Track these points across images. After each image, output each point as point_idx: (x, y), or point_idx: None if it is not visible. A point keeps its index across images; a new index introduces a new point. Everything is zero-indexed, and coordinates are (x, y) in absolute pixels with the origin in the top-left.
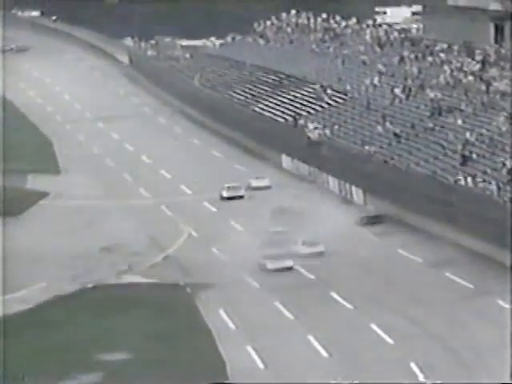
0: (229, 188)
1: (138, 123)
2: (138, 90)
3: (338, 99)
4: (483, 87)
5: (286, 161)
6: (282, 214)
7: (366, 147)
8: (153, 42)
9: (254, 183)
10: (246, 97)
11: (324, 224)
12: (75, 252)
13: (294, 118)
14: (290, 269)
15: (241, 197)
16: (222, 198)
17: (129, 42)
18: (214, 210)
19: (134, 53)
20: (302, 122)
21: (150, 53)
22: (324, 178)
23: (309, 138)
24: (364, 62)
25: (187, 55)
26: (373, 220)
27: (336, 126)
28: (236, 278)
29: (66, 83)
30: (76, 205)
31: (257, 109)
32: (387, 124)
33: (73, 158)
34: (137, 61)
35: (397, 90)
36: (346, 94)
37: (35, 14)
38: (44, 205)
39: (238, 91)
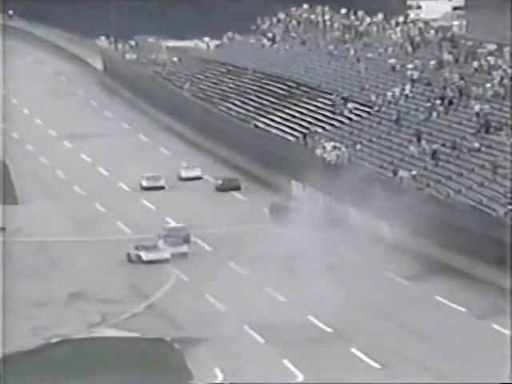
0: (148, 178)
1: (113, 142)
2: (113, 102)
3: (360, 113)
4: None
5: (296, 188)
6: None
7: (399, 172)
8: (132, 42)
9: (184, 173)
10: (248, 110)
11: (349, 271)
12: (37, 299)
13: (306, 135)
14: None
15: (161, 187)
16: (142, 188)
17: (103, 42)
18: (208, 248)
19: (109, 56)
20: (316, 140)
21: (128, 56)
22: (342, 210)
23: (324, 160)
24: (393, 68)
25: (175, 59)
26: (280, 208)
27: (358, 146)
28: (236, 332)
29: (24, 93)
30: (38, 242)
31: (260, 124)
32: (422, 143)
33: (34, 184)
34: (112, 66)
35: (434, 102)
36: (370, 107)
37: None
38: None
39: (238, 103)
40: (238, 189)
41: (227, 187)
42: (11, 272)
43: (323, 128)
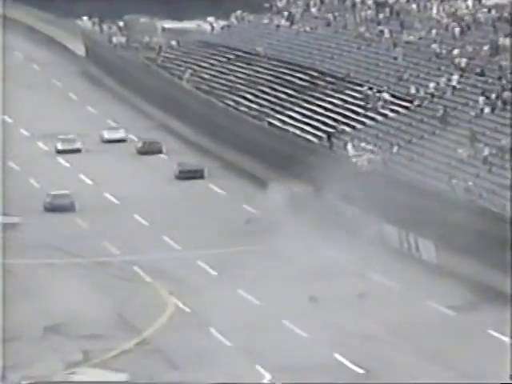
0: (63, 141)
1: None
2: (98, 95)
3: (397, 108)
4: None
5: (319, 198)
6: None
7: (453, 181)
8: (121, 23)
9: (107, 135)
10: (260, 105)
11: (383, 299)
12: (5, 333)
13: (331, 135)
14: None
15: (77, 150)
16: (58, 152)
17: (85, 23)
18: (213, 273)
19: (93, 39)
20: (343, 141)
21: (116, 39)
22: (376, 225)
23: (353, 165)
24: (437, 54)
25: (173, 43)
26: (190, 174)
27: (395, 149)
28: (245, 373)
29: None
30: (7, 263)
31: (276, 122)
32: (474, 145)
33: (1, 194)
34: (96, 51)
35: (487, 95)
36: (410, 101)
37: None
38: None
39: (248, 97)
40: (159, 152)
41: (148, 150)
42: None
43: (352, 127)
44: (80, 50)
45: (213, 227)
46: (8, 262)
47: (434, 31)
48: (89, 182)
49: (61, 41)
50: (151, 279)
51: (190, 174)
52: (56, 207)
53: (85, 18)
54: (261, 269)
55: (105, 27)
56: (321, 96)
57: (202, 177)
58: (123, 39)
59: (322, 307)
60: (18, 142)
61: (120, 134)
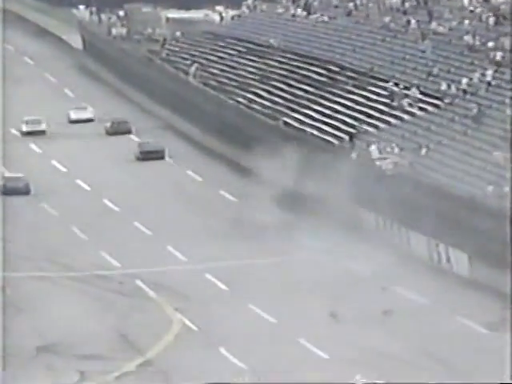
0: (28, 122)
1: (96, 145)
2: (95, 92)
3: (426, 106)
4: None
5: (338, 206)
6: None
7: (488, 188)
8: (121, 13)
9: (74, 115)
10: (275, 102)
11: (410, 315)
12: None
13: (352, 136)
14: None
15: (42, 132)
16: (22, 134)
17: (82, 12)
18: (223, 287)
19: (90, 30)
20: (366, 143)
21: (116, 31)
22: (402, 234)
23: (378, 169)
24: (470, 47)
25: (178, 34)
26: (151, 154)
27: (423, 151)
28: None
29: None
30: None
31: (292, 122)
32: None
33: None
34: (94, 43)
35: None
36: (440, 98)
37: None
38: None
39: (262, 93)
40: (128, 132)
41: (117, 130)
42: None
43: (376, 127)
44: (76, 42)
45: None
46: None
47: (466, 22)
48: (58, 166)
49: (55, 32)
50: (154, 293)
51: (150, 155)
52: (10, 190)
53: (81, 7)
54: (275, 281)
55: (103, 17)
56: (341, 93)
57: (162, 157)
58: (124, 30)
59: (343, 325)
60: (7, 141)
61: (87, 114)
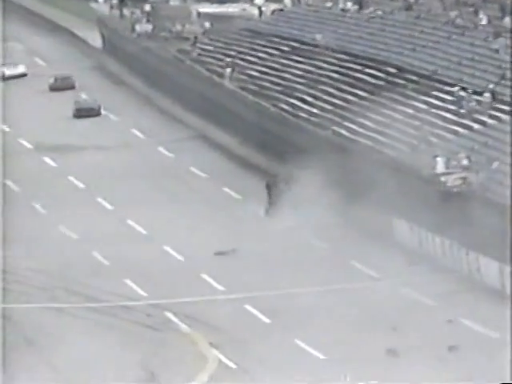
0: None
1: (118, 159)
2: (118, 97)
3: (499, 114)
4: None
5: (399, 229)
6: None
7: None
8: (146, 7)
9: (8, 71)
10: (323, 109)
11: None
12: None
13: (413, 148)
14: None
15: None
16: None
17: (101, 6)
18: (264, 319)
19: (112, 27)
20: (429, 155)
21: (140, 27)
22: (470, 259)
23: (443, 185)
24: None
25: (211, 31)
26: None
27: (495, 164)
28: None
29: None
30: (4, 308)
31: (342, 131)
32: None
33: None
34: (116, 42)
35: None
36: None
37: None
38: None
39: (308, 99)
40: (71, 88)
41: (60, 86)
42: None
43: (441, 137)
44: (95, 40)
45: None
46: None
47: None
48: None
49: (71, 28)
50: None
51: (86, 113)
52: None
53: (101, 0)
54: (324, 313)
55: (126, 12)
56: (400, 98)
57: (98, 114)
58: (149, 27)
59: (403, 362)
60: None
61: (20, 69)
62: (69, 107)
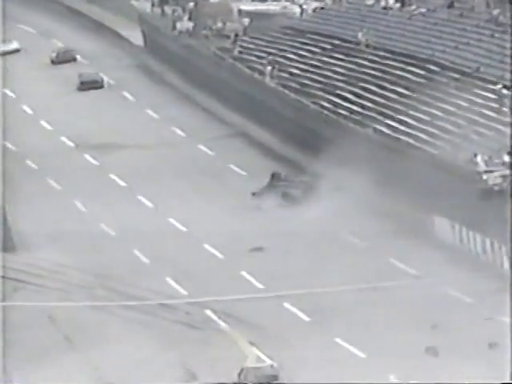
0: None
1: (159, 157)
2: (159, 95)
3: None
4: None
5: (440, 226)
6: None
7: None
8: (191, 4)
9: (2, 48)
10: (364, 107)
11: None
12: None
13: (455, 145)
14: None
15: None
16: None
17: (142, 3)
18: (304, 317)
19: (153, 25)
20: (471, 153)
21: (181, 25)
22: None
23: (485, 183)
24: None
25: (252, 29)
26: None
27: None
28: None
29: (22, 81)
30: (46, 308)
31: (384, 129)
32: None
33: (40, 222)
34: (157, 40)
35: None
36: None
37: None
38: None
39: (349, 96)
40: (73, 60)
41: (62, 59)
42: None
43: (482, 135)
44: (136, 38)
45: None
46: None
47: None
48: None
49: (112, 26)
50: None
51: (90, 85)
52: None
53: None
54: (364, 311)
55: (167, 10)
56: (442, 96)
57: (101, 87)
58: (190, 25)
59: (443, 361)
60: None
61: (14, 45)
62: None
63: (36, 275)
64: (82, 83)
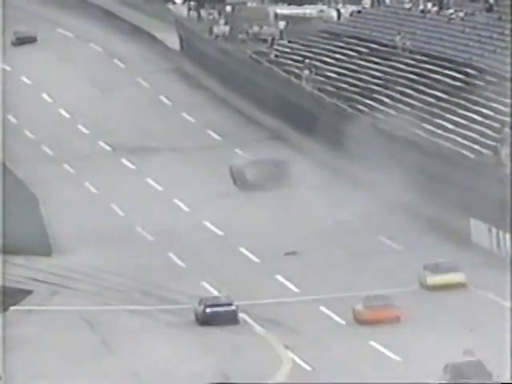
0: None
1: (195, 161)
2: (196, 99)
3: None
4: None
5: (477, 230)
6: None
7: None
8: (228, 7)
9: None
10: (401, 110)
11: None
12: None
13: (494, 149)
14: None
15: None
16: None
17: (179, 7)
18: (341, 321)
19: (189, 29)
20: (509, 157)
21: (218, 29)
22: None
23: None
24: None
25: (289, 33)
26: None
27: None
28: None
29: (59, 85)
30: (82, 310)
31: (421, 133)
32: None
33: (77, 226)
34: (193, 44)
35: None
36: None
37: None
38: (23, 313)
39: (385, 100)
40: (34, 41)
41: (22, 41)
42: (43, 359)
43: None
44: (173, 41)
45: None
46: None
47: None
48: None
49: (149, 30)
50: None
51: (24, 40)
52: None
53: (178, 1)
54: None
55: (204, 13)
56: (480, 100)
57: (35, 41)
58: (226, 29)
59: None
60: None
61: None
62: None
63: (73, 279)
64: (17, 39)
